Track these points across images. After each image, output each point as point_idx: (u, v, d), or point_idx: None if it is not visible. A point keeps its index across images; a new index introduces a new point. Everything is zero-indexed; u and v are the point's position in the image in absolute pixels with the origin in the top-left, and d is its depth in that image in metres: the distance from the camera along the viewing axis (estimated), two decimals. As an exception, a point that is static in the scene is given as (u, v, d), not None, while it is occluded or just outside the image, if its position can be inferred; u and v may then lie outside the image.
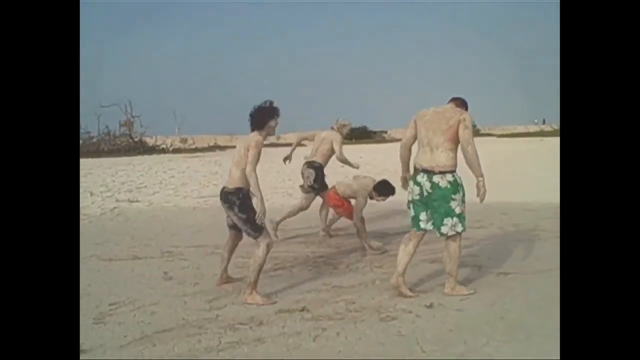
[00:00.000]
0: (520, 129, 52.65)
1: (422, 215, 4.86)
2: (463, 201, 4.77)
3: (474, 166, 4.70)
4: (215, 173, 18.16)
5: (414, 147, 4.96)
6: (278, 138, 48.40)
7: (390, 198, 6.82)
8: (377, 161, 21.98)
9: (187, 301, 4.83)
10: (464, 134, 4.66)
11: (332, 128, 7.68)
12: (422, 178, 4.77)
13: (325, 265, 6.02)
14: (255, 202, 4.85)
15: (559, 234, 7.11)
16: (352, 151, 28.21)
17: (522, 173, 13.36)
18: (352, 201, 6.96)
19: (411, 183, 4.93)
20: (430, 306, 4.48)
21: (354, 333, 3.98)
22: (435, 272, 5.49)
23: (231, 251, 5.39)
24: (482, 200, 4.78)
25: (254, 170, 4.72)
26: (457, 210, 4.72)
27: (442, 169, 4.68)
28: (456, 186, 4.71)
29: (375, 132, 48.39)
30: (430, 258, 6.13)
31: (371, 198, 6.78)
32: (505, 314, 4.28)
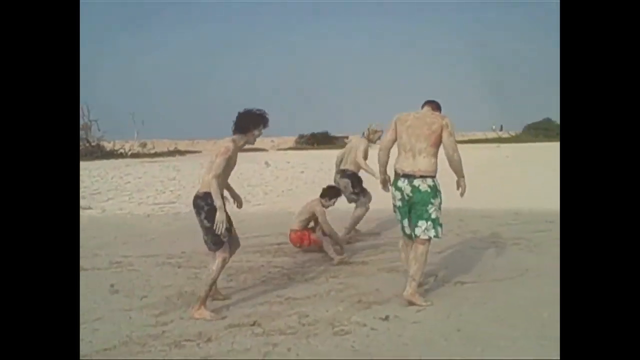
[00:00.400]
0: (479, 135, 53.37)
1: (405, 222, 4.95)
2: (439, 208, 4.80)
3: (458, 169, 4.89)
4: (172, 179, 17.81)
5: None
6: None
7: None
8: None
9: (132, 316, 4.60)
10: (449, 141, 4.71)
11: (363, 134, 7.63)
12: (402, 183, 4.80)
13: (279, 275, 5.84)
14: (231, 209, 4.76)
15: (516, 242, 7.13)
16: (314, 156, 28.20)
17: (480, 179, 13.36)
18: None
19: (392, 189, 4.96)
20: (386, 319, 4.35)
21: (305, 349, 3.83)
22: (391, 282, 5.37)
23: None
24: (462, 194, 5.00)
25: (216, 177, 4.51)
26: (433, 215, 4.74)
27: (423, 174, 4.72)
28: (435, 191, 4.76)
29: (337, 138, 48.38)
30: (387, 267, 6.02)
31: (326, 207, 6.64)
32: (462, 325, 4.17)
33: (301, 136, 46.95)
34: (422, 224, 4.73)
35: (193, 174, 19.39)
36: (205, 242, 4.73)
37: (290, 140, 47.24)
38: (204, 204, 4.58)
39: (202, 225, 4.63)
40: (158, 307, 4.81)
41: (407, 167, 4.77)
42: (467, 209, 8.54)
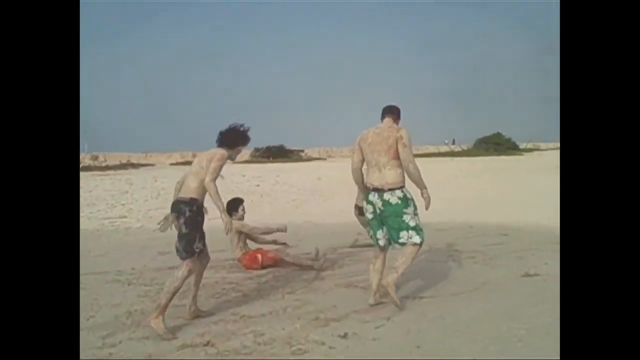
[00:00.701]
0: (432, 149, 54.18)
1: (379, 234, 5.06)
2: (416, 214, 4.93)
3: (417, 181, 4.92)
4: (125, 192, 17.42)
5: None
6: (194, 156, 47.67)
7: None
8: (293, 179, 21.84)
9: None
10: (404, 153, 4.82)
11: None
12: (373, 197, 4.96)
13: (234, 292, 5.66)
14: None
15: (471, 255, 7.14)
16: (269, 170, 28.06)
17: (434, 193, 13.47)
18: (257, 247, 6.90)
19: (364, 203, 5.10)
20: (345, 336, 4.22)
21: (262, 370, 3.68)
22: (349, 298, 5.28)
23: (200, 275, 4.90)
24: (427, 207, 5.01)
25: (213, 181, 4.54)
26: (411, 223, 4.87)
27: (391, 186, 4.85)
28: (406, 201, 4.88)
29: (292, 151, 48.38)
30: (344, 282, 5.92)
31: (240, 218, 6.83)
32: (421, 341, 4.08)
33: (257, 149, 46.74)
34: (403, 234, 4.87)
35: (146, 187, 19.03)
36: (177, 249, 4.61)
37: (246, 154, 46.92)
38: (187, 209, 4.52)
39: (179, 231, 4.54)
40: (106, 327, 4.56)
41: (376, 181, 4.92)
42: (422, 222, 8.50)
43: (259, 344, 4.12)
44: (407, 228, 4.85)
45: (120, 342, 4.20)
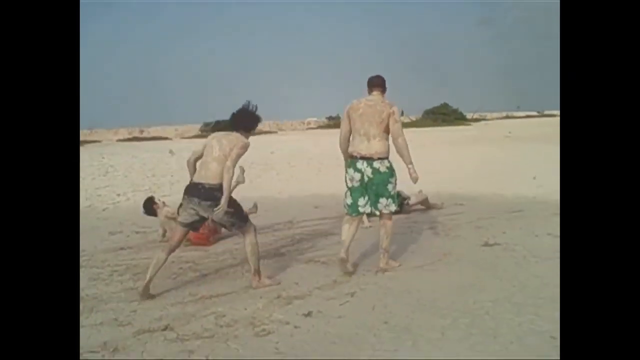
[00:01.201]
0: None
1: (361, 201, 5.22)
2: (396, 185, 5.30)
3: (404, 155, 5.18)
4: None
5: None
6: (141, 132, 46.42)
7: None
8: (246, 154, 21.49)
9: (25, 327, 4.08)
10: (395, 127, 5.10)
11: None
12: (362, 165, 5.15)
13: (191, 271, 5.45)
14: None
15: (431, 226, 7.11)
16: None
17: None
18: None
19: (351, 170, 5.21)
20: (309, 314, 4.08)
21: (226, 354, 3.50)
22: (310, 274, 5.15)
23: (171, 253, 4.92)
24: (415, 181, 5.31)
25: (233, 167, 4.74)
26: (392, 192, 5.22)
27: (380, 156, 5.12)
28: (392, 171, 5.23)
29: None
30: (304, 258, 5.79)
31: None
32: (388, 317, 3.98)
33: (206, 124, 45.84)
34: (382, 201, 5.17)
35: (93, 165, 18.38)
36: (232, 224, 4.87)
37: (195, 129, 46.11)
38: (219, 195, 4.65)
39: (226, 213, 4.68)
40: (56, 314, 4.30)
41: (364, 150, 5.13)
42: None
43: (221, 326, 3.94)
44: (388, 196, 5.17)
45: (72, 330, 3.95)
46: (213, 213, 4.66)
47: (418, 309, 4.13)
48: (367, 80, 5.36)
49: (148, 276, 4.63)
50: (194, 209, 4.72)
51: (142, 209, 6.94)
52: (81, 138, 38.90)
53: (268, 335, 3.74)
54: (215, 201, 4.63)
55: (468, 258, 5.50)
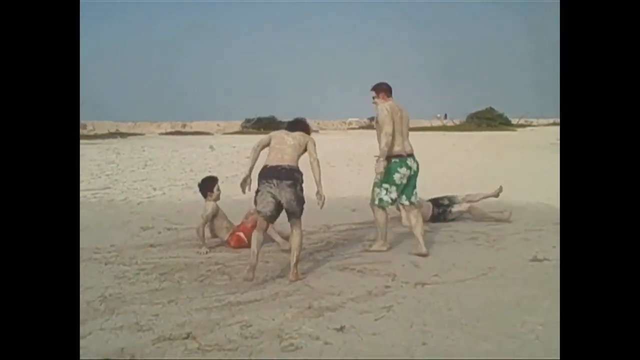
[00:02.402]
0: (425, 123, 53.63)
1: (403, 196, 6.10)
2: None
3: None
4: (111, 162, 16.86)
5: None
6: (184, 126, 46.80)
7: None
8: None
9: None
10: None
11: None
12: (411, 161, 6.02)
13: (219, 274, 5.20)
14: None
15: (473, 236, 6.72)
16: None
17: (429, 168, 13.01)
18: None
19: (403, 169, 5.94)
20: (341, 329, 3.78)
21: (248, 370, 3.23)
22: (345, 283, 4.84)
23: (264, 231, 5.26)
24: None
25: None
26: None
27: (410, 153, 6.03)
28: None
29: (283, 123, 47.39)
30: (339, 265, 5.48)
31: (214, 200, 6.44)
32: (427, 337, 3.65)
33: (247, 120, 45.87)
34: (415, 192, 6.13)
35: (133, 157, 18.47)
36: (294, 210, 5.03)
37: (237, 125, 46.19)
38: (299, 177, 5.05)
39: (297, 197, 4.99)
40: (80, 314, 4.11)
41: (408, 147, 6.02)
42: (423, 198, 8.01)
43: (246, 337, 3.67)
44: (415, 187, 6.12)
45: (90, 334, 3.72)
46: (290, 194, 4.92)
47: (459, 330, 3.78)
48: (381, 86, 6.10)
49: (255, 261, 4.91)
50: (271, 192, 4.93)
51: (199, 186, 6.53)
52: (125, 130, 39.55)
53: (295, 351, 3.45)
54: (294, 181, 4.96)
55: (515, 274, 5.11)
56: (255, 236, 5.00)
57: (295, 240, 5.03)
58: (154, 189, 11.23)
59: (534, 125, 54.89)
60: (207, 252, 5.94)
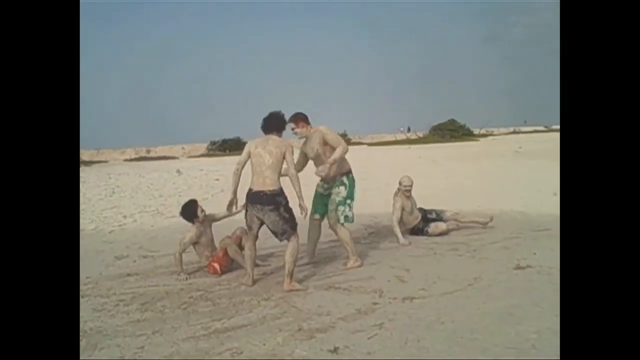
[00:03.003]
0: (388, 137, 54.05)
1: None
2: None
3: None
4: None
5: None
6: (148, 151, 46.27)
7: None
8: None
9: None
10: None
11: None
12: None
13: (202, 300, 5.04)
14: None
15: (453, 247, 6.70)
16: (227, 163, 27.30)
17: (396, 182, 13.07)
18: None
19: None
20: (335, 350, 3.68)
21: (244, 399, 3.11)
22: (332, 303, 4.75)
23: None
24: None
25: (296, 172, 5.40)
26: None
27: None
28: None
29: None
30: (324, 284, 5.39)
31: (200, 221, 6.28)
32: (423, 353, 3.58)
33: (213, 143, 45.69)
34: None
35: (99, 185, 18.10)
36: (282, 230, 5.28)
37: (202, 147, 45.92)
38: (281, 199, 5.26)
39: (281, 218, 5.24)
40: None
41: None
42: (387, 213, 7.93)
43: (238, 365, 3.55)
44: None
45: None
46: (273, 217, 5.20)
47: (455, 343, 3.72)
48: (298, 116, 5.97)
49: (250, 272, 5.47)
50: (257, 215, 5.31)
51: (181, 212, 6.32)
52: (88, 158, 38.89)
53: (291, 376, 3.35)
54: (276, 205, 5.20)
55: (500, 283, 5.10)
56: (247, 251, 5.55)
57: (287, 252, 5.25)
58: (124, 217, 10.97)
59: (495, 135, 55.78)
60: (186, 279, 5.79)
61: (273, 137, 5.43)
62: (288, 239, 5.30)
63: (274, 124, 5.54)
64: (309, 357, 3.61)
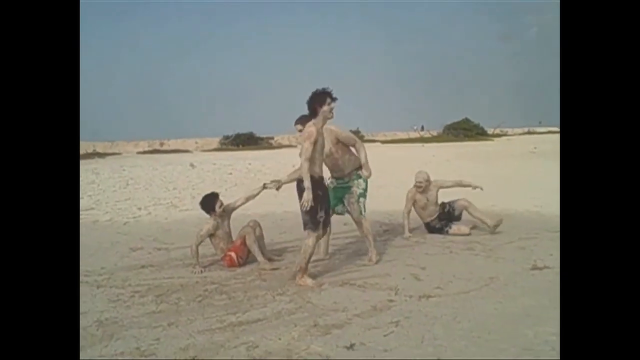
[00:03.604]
0: (401, 135, 53.85)
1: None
2: None
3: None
4: (92, 182, 16.53)
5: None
6: (161, 144, 46.40)
7: None
8: (267, 167, 21.15)
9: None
10: None
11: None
12: None
13: (217, 294, 5.04)
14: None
15: (469, 246, 6.66)
16: (239, 157, 27.37)
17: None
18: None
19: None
20: (351, 347, 3.66)
21: (260, 393, 3.10)
22: (347, 299, 4.73)
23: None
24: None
25: (307, 160, 5.03)
26: None
27: None
28: None
29: (262, 139, 47.43)
30: (339, 280, 5.37)
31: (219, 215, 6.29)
32: (440, 352, 3.56)
33: (226, 137, 45.75)
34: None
35: (114, 177, 18.16)
36: (304, 223, 5.24)
37: (215, 142, 45.98)
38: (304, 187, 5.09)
39: (305, 209, 5.11)
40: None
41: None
42: (402, 210, 7.89)
43: (254, 358, 3.54)
44: None
45: None
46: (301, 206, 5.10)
47: (472, 343, 3.69)
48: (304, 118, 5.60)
49: (306, 266, 5.28)
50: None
51: (201, 204, 6.40)
52: (102, 150, 39.12)
53: (307, 372, 3.34)
54: (299, 192, 5.16)
55: (517, 283, 5.06)
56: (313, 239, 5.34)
57: (303, 246, 5.26)
58: (139, 209, 11.01)
59: (510, 135, 55.49)
60: (201, 272, 5.79)
61: (309, 124, 5.20)
62: (307, 234, 5.25)
63: (312, 103, 5.21)
64: (325, 352, 3.59)
